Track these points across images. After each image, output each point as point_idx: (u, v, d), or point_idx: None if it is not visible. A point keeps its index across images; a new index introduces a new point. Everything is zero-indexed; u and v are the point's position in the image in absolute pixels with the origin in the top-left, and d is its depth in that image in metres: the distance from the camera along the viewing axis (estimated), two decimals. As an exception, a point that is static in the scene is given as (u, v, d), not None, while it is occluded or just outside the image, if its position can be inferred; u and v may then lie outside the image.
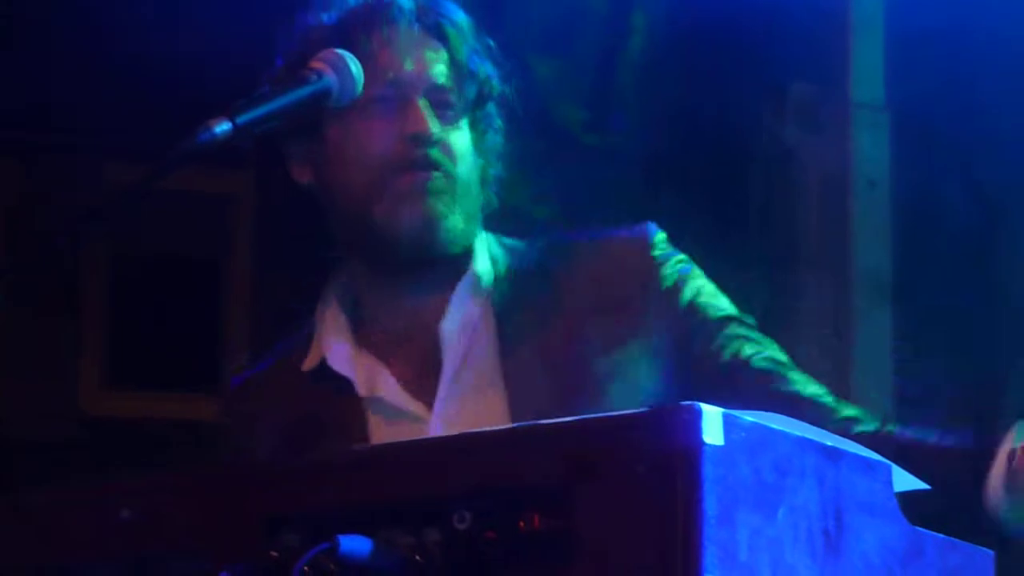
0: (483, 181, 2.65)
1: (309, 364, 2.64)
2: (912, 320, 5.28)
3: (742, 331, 2.59)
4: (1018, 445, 2.24)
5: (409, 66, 2.58)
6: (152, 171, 2.29)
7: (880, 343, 5.19)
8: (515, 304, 2.60)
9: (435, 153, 2.56)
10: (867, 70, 5.46)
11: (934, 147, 5.32)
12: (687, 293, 2.61)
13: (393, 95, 2.57)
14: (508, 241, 2.69)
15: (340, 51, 2.45)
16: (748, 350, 2.57)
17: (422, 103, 2.57)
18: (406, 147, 2.55)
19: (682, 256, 2.64)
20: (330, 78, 2.43)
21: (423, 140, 2.55)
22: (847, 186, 5.39)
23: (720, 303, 2.62)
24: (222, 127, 2.26)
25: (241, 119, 2.29)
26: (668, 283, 2.61)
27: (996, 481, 2.21)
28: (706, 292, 2.62)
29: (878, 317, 5.25)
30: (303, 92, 2.41)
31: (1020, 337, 5.19)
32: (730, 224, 2.86)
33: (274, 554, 1.77)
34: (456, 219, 2.56)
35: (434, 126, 2.56)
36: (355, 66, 2.45)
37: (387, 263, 2.61)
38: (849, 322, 5.11)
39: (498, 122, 2.67)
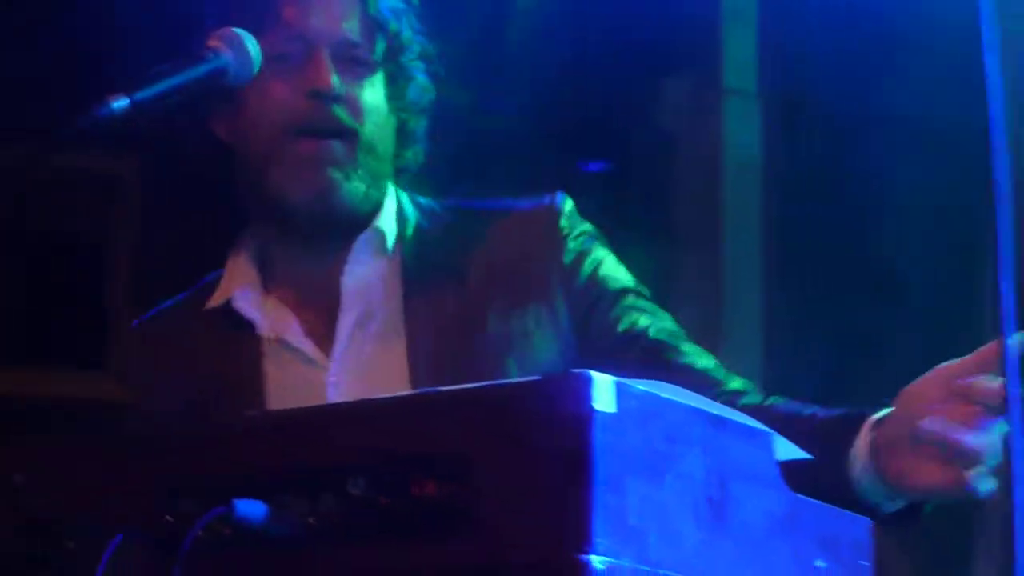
0: (402, 135, 2.63)
1: (213, 303, 2.61)
2: (782, 301, 5.34)
3: (639, 303, 2.60)
4: (880, 415, 2.25)
5: (317, 21, 2.54)
6: (47, 146, 2.25)
7: (751, 323, 5.25)
8: (423, 265, 2.58)
9: (338, 111, 2.51)
10: (739, 57, 5.51)
11: (805, 132, 5.37)
12: (588, 266, 2.60)
13: (298, 51, 2.53)
14: (423, 200, 2.67)
15: (237, 30, 2.42)
16: (643, 322, 2.57)
17: (328, 58, 2.52)
18: (307, 104, 2.51)
19: (587, 227, 2.65)
20: (226, 56, 2.39)
21: (324, 95, 2.51)
22: (719, 171, 5.45)
23: (619, 275, 2.62)
24: (120, 103, 2.22)
25: (139, 95, 2.24)
26: (571, 256, 2.60)
27: (859, 454, 2.22)
28: (606, 264, 2.62)
29: (748, 298, 5.31)
30: (199, 70, 2.36)
31: (888, 316, 5.26)
32: (608, 208, 2.89)
33: (170, 518, 1.75)
34: (356, 185, 2.53)
35: (338, 81, 2.51)
36: (251, 44, 2.41)
37: (288, 225, 2.58)
38: (720, 302, 5.17)
39: (420, 77, 2.64)
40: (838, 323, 5.23)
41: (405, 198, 2.65)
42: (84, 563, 1.77)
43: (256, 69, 2.42)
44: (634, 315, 2.58)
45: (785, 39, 5.44)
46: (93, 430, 2.26)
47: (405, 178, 2.66)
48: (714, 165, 5.42)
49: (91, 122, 2.20)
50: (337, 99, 2.51)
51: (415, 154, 2.65)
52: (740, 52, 5.54)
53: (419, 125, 2.65)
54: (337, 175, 2.51)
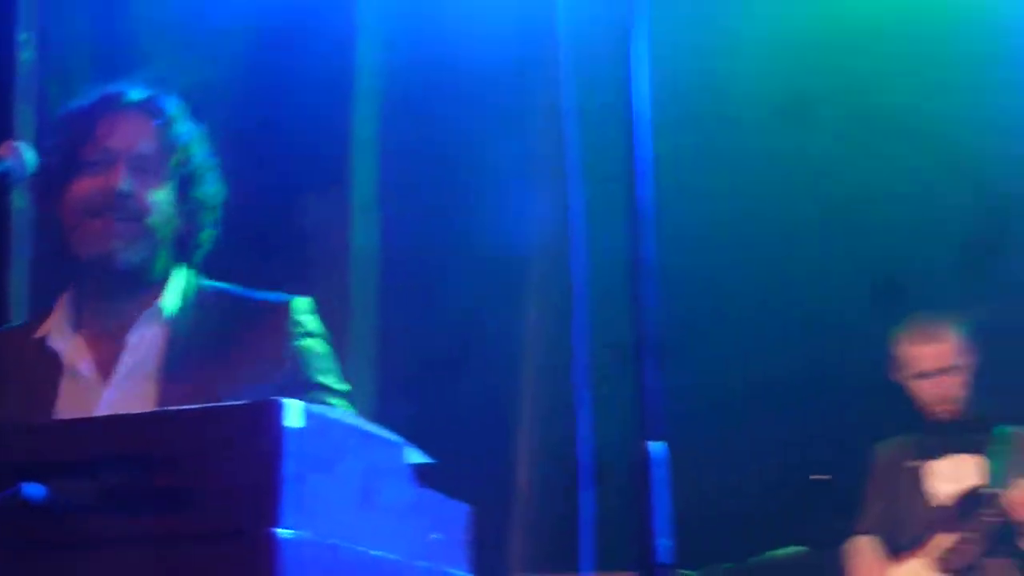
0: (188, 229, 2.70)
1: (39, 334, 2.67)
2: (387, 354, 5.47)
3: (326, 398, 2.62)
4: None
5: (119, 140, 2.64)
6: None
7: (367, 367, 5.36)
8: (185, 336, 2.64)
9: (128, 204, 2.61)
10: (364, 175, 5.63)
11: (412, 237, 5.53)
12: (302, 358, 2.64)
13: (103, 160, 2.63)
14: (207, 282, 2.72)
15: (17, 143, 2.50)
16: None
17: (124, 166, 2.61)
18: (103, 197, 2.60)
19: (312, 328, 2.67)
20: (9, 162, 2.46)
21: (115, 194, 2.60)
22: (347, 263, 5.54)
23: (321, 372, 2.66)
24: None
25: None
26: (293, 346, 2.63)
27: None
28: (316, 361, 2.65)
29: (366, 346, 5.42)
30: None
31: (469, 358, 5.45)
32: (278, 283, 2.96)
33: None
34: (133, 254, 2.61)
35: (126, 184, 2.60)
36: (28, 154, 2.49)
37: (89, 282, 2.65)
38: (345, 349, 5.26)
39: (200, 187, 2.71)
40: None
41: (192, 280, 2.70)
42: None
43: (31, 172, 2.49)
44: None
45: (404, 161, 5.60)
46: None
47: (200, 255, 2.73)
48: (343, 260, 5.52)
49: None
50: (127, 196, 2.60)
51: (207, 238, 2.72)
52: (366, 173, 5.66)
53: (208, 218, 2.72)
54: (118, 245, 2.60)
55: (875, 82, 5.59)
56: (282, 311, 2.65)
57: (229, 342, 2.61)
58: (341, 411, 1.92)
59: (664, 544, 1.98)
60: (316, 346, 2.66)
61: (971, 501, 4.78)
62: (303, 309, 2.68)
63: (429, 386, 5.40)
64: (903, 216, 5.64)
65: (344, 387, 2.68)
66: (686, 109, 5.01)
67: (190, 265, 2.73)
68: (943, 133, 5.48)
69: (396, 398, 4.99)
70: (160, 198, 2.65)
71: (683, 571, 4.86)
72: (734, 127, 5.64)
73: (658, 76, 2.20)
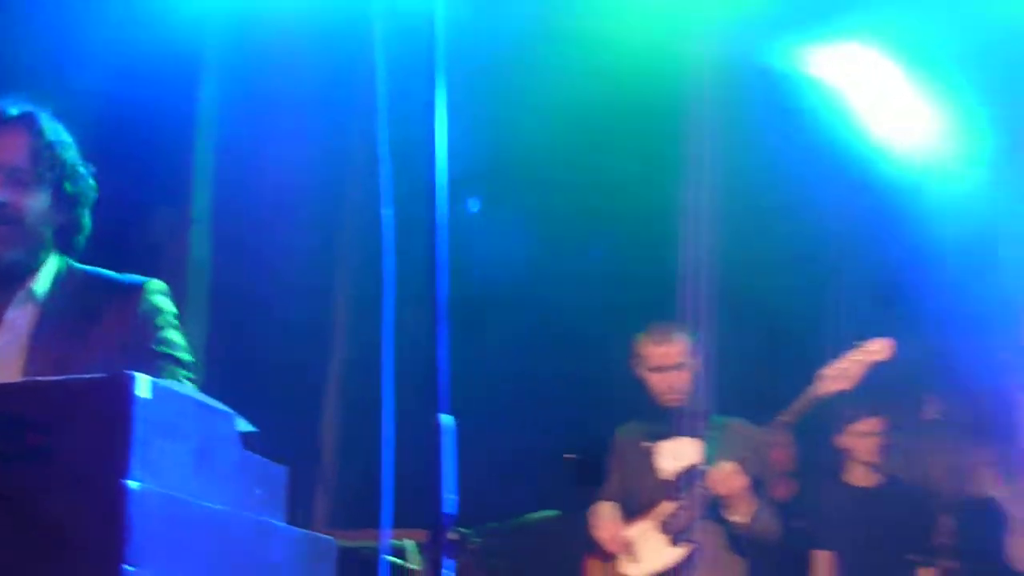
0: (63, 226, 2.63)
1: None
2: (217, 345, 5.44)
3: (169, 366, 2.58)
4: None
5: None
6: None
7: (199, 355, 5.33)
8: (53, 313, 2.58)
9: (6, 212, 2.54)
10: (202, 194, 5.58)
11: (239, 247, 5.50)
12: (153, 332, 2.59)
13: None
14: (77, 266, 2.65)
15: None
16: (165, 375, 2.57)
17: (0, 179, 2.54)
18: None
19: (163, 307, 2.61)
20: None
21: None
22: (185, 270, 5.49)
23: (168, 344, 2.60)
24: None
25: None
26: (144, 321, 2.58)
27: None
28: (165, 335, 2.60)
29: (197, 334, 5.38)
30: None
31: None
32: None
33: None
34: (15, 254, 2.55)
35: (1, 196, 2.53)
36: None
37: None
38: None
39: (74, 185, 2.62)
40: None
41: (63, 264, 2.63)
42: None
43: None
44: (159, 372, 2.55)
45: (235, 185, 5.57)
46: None
47: (80, 241, 2.66)
48: (181, 267, 5.47)
49: None
50: (3, 205, 2.54)
51: (86, 225, 2.66)
52: (203, 190, 5.62)
53: (81, 214, 2.66)
54: None
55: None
56: (138, 291, 2.59)
57: (90, 318, 2.55)
58: (184, 385, 1.94)
59: (450, 498, 2.02)
60: (166, 322, 2.62)
61: (689, 476, 4.97)
62: (156, 290, 2.62)
63: (251, 369, 5.37)
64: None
65: (189, 358, 2.65)
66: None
67: (68, 251, 2.67)
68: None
69: (224, 377, 4.97)
70: (35, 203, 2.58)
71: (459, 529, 4.96)
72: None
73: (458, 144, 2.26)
